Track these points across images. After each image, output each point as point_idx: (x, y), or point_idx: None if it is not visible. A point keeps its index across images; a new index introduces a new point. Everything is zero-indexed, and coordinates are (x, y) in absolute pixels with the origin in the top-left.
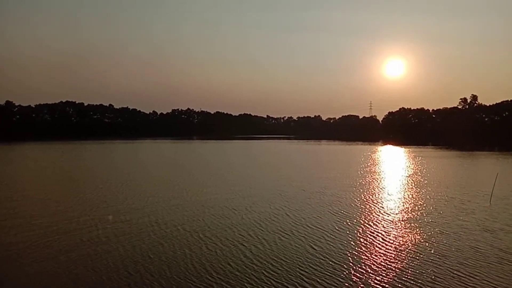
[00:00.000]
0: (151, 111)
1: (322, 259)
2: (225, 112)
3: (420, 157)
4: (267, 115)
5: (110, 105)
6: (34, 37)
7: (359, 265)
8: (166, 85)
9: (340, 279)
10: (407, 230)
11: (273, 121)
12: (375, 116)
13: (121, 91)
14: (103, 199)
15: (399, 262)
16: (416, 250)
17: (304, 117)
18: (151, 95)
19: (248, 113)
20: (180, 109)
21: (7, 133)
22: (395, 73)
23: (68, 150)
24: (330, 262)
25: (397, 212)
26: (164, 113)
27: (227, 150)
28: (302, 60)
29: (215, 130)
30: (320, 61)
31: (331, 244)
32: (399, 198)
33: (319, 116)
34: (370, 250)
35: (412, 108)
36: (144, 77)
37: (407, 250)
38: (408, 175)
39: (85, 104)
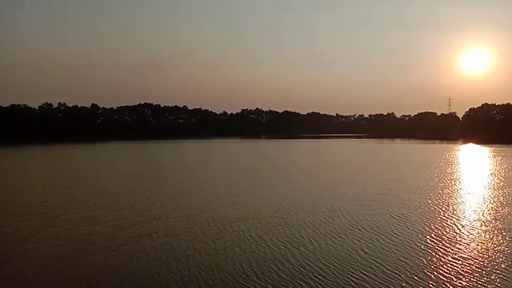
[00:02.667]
0: (222, 112)
1: (375, 265)
2: (293, 111)
3: (504, 157)
4: (336, 113)
5: (184, 106)
6: (114, 47)
7: (415, 275)
8: (235, 86)
9: None
10: (475, 237)
11: (343, 119)
12: (454, 112)
13: (194, 93)
14: (169, 195)
15: (462, 274)
16: (483, 261)
17: (376, 114)
18: (222, 96)
19: (317, 111)
20: (249, 109)
21: (91, 133)
22: (477, 66)
23: (144, 149)
24: (384, 269)
25: (466, 217)
26: (234, 113)
27: (293, 149)
28: (372, 56)
29: (283, 129)
30: (392, 57)
31: (387, 249)
32: (471, 202)
33: (392, 113)
34: (430, 258)
35: (496, 104)
36: (214, 79)
37: (472, 259)
38: (486, 177)
39: (161, 106)
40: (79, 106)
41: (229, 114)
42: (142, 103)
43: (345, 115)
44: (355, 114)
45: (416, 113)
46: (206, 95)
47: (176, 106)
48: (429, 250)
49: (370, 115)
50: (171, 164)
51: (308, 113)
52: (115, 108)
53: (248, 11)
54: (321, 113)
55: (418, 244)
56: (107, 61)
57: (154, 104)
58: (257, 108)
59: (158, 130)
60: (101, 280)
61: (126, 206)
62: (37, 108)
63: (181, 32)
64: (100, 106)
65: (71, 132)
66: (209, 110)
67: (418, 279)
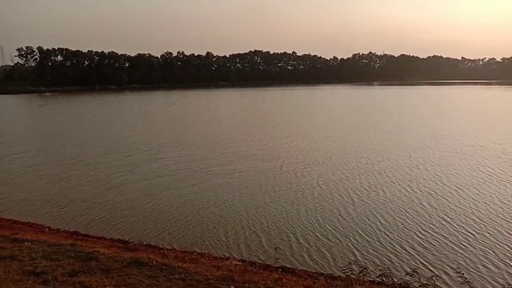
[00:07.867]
0: (332, 57)
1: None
2: (411, 55)
3: None
4: (462, 57)
5: (293, 52)
6: None
7: None
8: (346, 30)
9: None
10: None
11: (470, 63)
12: None
13: (303, 39)
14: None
15: None
16: None
17: (511, 58)
18: (332, 40)
19: (439, 55)
20: (361, 53)
21: (206, 80)
22: None
23: (255, 94)
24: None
25: None
26: (345, 58)
27: (408, 96)
28: None
29: (399, 75)
30: None
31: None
32: None
33: None
34: None
35: None
36: (323, 23)
37: None
38: None
39: (271, 53)
40: (195, 54)
41: (339, 59)
42: (252, 50)
43: (472, 58)
44: (484, 58)
45: None
46: (315, 41)
47: (285, 53)
48: None
49: (503, 59)
50: (287, 111)
51: (429, 57)
52: (228, 56)
53: None
54: (444, 57)
55: None
56: (214, 9)
57: (263, 51)
58: (370, 52)
59: (268, 77)
60: (198, 205)
61: (222, 147)
62: (159, 56)
63: None
64: (214, 54)
65: (187, 78)
66: (318, 56)
67: None
